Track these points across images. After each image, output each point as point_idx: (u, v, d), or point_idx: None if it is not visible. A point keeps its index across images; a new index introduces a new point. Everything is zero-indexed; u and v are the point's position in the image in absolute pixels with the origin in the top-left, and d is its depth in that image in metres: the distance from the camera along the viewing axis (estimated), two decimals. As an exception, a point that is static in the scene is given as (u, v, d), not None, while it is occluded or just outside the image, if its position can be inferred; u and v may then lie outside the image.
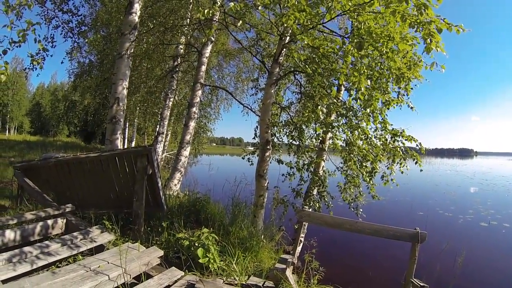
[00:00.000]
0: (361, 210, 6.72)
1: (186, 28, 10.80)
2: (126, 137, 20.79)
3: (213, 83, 15.74)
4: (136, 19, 7.04)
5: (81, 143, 37.32)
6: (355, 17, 4.26)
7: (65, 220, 4.96)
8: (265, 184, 6.55)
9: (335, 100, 5.61)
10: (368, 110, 5.42)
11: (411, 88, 5.91)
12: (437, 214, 13.80)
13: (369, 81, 4.73)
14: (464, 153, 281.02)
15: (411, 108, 6.27)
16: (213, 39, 9.97)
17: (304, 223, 5.27)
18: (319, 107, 5.41)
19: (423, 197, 18.34)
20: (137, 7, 6.99)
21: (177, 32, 10.95)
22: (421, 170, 5.96)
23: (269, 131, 6.42)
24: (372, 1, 3.97)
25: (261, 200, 6.53)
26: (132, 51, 7.06)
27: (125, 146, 19.00)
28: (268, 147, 6.34)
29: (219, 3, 6.23)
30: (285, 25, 4.98)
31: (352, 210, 6.72)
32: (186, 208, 6.26)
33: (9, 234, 4.13)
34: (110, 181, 5.86)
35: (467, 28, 3.73)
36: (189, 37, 11.93)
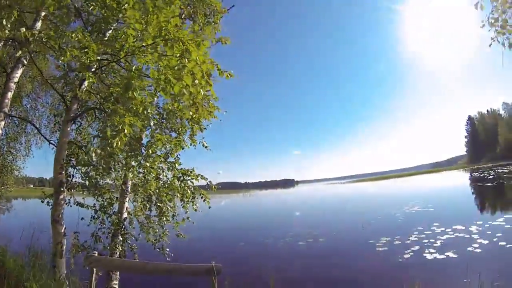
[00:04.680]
0: (167, 249, 6.66)
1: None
2: None
3: (26, 113, 13.75)
4: None
5: None
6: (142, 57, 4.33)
7: None
8: (62, 230, 5.89)
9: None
10: (158, 152, 5.51)
11: (204, 128, 6.37)
12: (260, 241, 14.89)
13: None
14: (287, 183, 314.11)
15: (206, 147, 6.70)
16: (25, 61, 8.74)
17: (94, 268, 4.90)
18: (92, 148, 5.18)
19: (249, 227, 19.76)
20: None
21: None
22: (209, 207, 6.33)
23: (63, 172, 5.87)
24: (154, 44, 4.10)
25: (60, 248, 5.84)
26: None
27: None
28: (62, 189, 5.76)
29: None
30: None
31: (158, 250, 6.60)
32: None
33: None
34: None
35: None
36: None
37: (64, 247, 5.95)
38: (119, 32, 4.72)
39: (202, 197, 6.21)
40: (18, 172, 14.42)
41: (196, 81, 3.93)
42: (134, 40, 4.24)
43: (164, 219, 6.26)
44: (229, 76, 4.23)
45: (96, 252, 5.16)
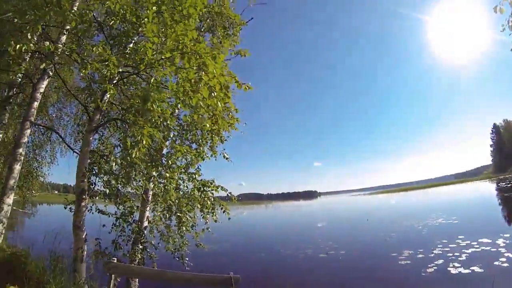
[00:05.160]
0: (187, 259, 6.71)
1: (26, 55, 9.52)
2: None
3: (52, 122, 14.12)
4: None
5: None
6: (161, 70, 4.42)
7: None
8: (83, 236, 6.02)
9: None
10: (177, 163, 5.60)
11: (225, 140, 6.41)
12: (278, 252, 14.79)
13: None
14: (309, 195, 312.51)
15: (226, 159, 6.71)
16: (50, 73, 9.00)
17: (113, 275, 4.96)
18: (112, 157, 5.29)
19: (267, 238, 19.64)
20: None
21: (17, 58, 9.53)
22: (229, 219, 6.34)
23: (85, 180, 6.01)
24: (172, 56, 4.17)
25: (81, 254, 5.96)
26: None
27: None
28: (84, 196, 5.91)
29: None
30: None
31: (177, 260, 6.66)
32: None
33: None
34: None
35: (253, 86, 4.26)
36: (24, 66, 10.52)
37: (85, 252, 6.08)
38: (139, 45, 4.82)
39: (222, 208, 6.25)
40: (43, 178, 14.84)
41: (215, 94, 3.97)
42: (154, 53, 4.33)
43: (184, 228, 6.32)
44: (247, 88, 4.23)
45: (116, 259, 5.24)
